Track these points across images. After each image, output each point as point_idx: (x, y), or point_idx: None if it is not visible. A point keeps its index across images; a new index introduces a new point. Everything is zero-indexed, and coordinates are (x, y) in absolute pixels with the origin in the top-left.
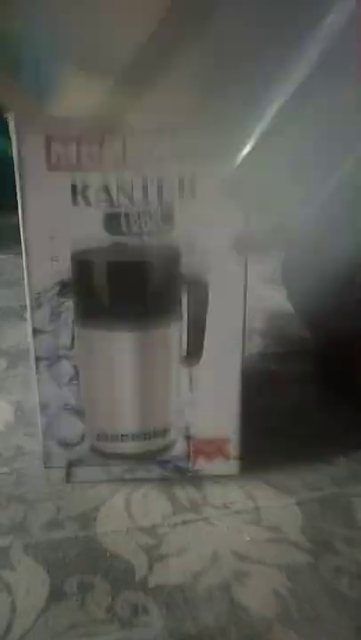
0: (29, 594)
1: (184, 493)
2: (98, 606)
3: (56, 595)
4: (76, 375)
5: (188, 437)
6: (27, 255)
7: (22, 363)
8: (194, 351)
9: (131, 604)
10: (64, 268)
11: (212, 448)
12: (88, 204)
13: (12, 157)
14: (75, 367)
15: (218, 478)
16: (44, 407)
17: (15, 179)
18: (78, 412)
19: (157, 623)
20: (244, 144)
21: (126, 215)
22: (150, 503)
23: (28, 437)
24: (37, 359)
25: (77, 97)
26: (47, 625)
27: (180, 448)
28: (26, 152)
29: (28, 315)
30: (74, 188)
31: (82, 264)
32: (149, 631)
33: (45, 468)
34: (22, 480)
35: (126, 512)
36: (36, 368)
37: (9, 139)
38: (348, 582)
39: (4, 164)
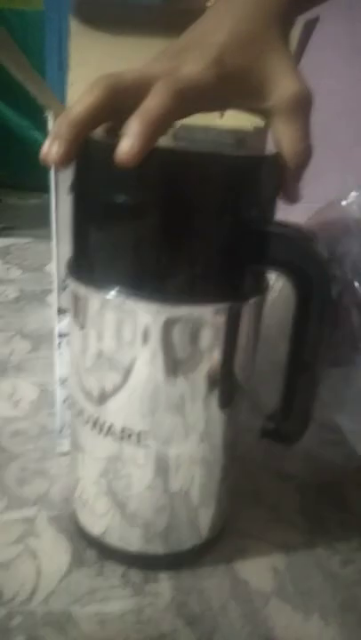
0: (53, 560)
1: None
2: (114, 573)
3: (77, 562)
4: None
5: None
6: (57, 244)
7: (45, 345)
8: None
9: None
10: None
11: None
12: None
13: (33, 140)
14: None
15: None
16: (62, 381)
17: (28, 160)
18: None
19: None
20: None
21: None
22: None
23: (51, 417)
24: (60, 336)
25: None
26: (69, 588)
27: None
28: None
29: (54, 296)
30: None
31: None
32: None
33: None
34: (46, 456)
35: None
36: (58, 344)
37: (32, 122)
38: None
39: (25, 145)
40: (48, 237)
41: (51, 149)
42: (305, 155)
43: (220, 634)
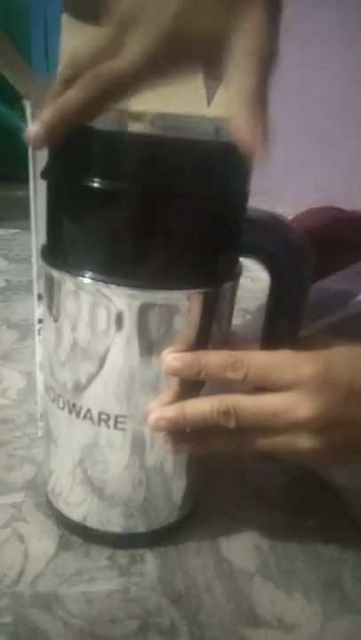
0: (40, 544)
1: None
2: (101, 555)
3: (64, 545)
4: None
5: None
6: (35, 230)
7: (32, 335)
8: None
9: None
10: None
11: None
12: None
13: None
14: None
15: None
16: (42, 366)
17: (16, 150)
18: None
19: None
20: None
21: None
22: None
23: (38, 405)
24: (40, 322)
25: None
26: (56, 570)
27: None
28: None
29: (34, 282)
30: None
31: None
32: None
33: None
34: (33, 443)
35: None
36: (38, 330)
37: (13, 112)
38: None
39: (8, 135)
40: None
41: (32, 129)
42: (254, 115)
43: (205, 611)
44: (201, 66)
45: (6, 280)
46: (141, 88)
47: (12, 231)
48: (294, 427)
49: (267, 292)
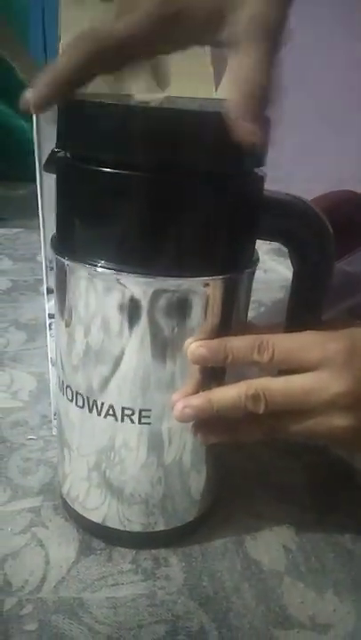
0: (61, 548)
1: None
2: (123, 559)
3: (85, 549)
4: None
5: None
6: (43, 224)
7: (41, 336)
8: None
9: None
10: None
11: None
12: None
13: (19, 128)
14: None
15: None
16: (55, 364)
17: (17, 149)
18: None
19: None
20: None
21: None
22: None
23: (52, 406)
24: (50, 317)
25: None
26: (79, 576)
27: None
28: (45, 123)
29: (43, 276)
30: None
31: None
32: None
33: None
34: (48, 446)
35: None
36: (49, 325)
37: (16, 110)
38: None
39: (9, 134)
40: (39, 227)
41: (30, 94)
42: (251, 98)
43: (235, 613)
44: (201, 37)
45: (12, 280)
46: (138, 55)
47: (16, 230)
48: (327, 405)
49: (280, 285)
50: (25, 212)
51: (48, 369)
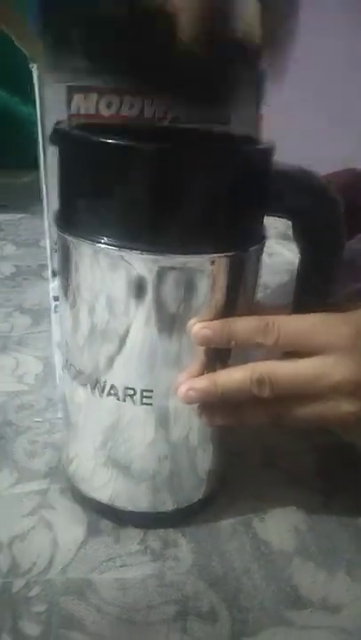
0: (68, 530)
1: None
2: (132, 540)
3: (93, 531)
4: None
5: None
6: (47, 206)
7: (46, 320)
8: None
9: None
10: None
11: None
12: None
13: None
14: None
15: None
16: (60, 345)
17: (19, 137)
18: None
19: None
20: None
21: None
22: None
23: (57, 388)
24: (54, 299)
25: None
26: (87, 557)
27: None
28: (49, 102)
29: (47, 258)
30: None
31: None
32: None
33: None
34: (54, 429)
35: None
36: (54, 307)
37: (21, 97)
38: None
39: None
40: (42, 213)
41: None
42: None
43: (245, 594)
44: None
45: (16, 266)
46: None
47: (19, 215)
48: (333, 391)
49: (285, 267)
50: (27, 200)
51: (53, 352)
